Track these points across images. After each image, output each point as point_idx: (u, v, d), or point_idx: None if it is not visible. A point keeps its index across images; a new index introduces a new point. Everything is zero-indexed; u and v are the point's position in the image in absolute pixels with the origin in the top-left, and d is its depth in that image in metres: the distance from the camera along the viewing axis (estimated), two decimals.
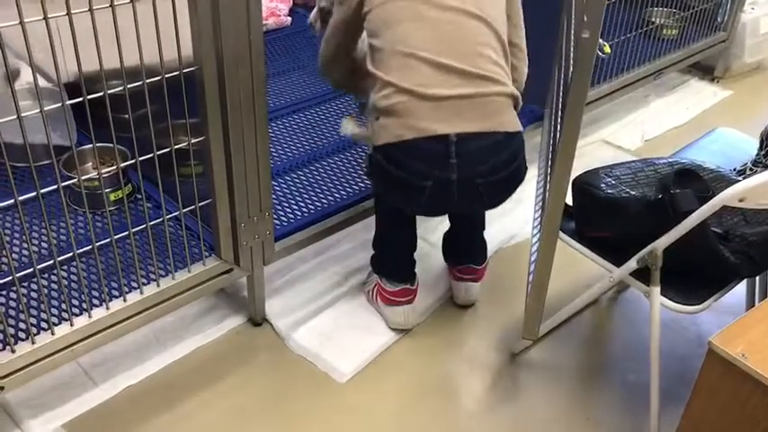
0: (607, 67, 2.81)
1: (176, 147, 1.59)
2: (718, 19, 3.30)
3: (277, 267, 2.16)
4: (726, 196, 1.40)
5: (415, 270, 2.02)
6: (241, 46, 1.55)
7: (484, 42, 1.66)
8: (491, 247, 2.28)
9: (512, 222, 2.45)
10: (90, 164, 2.08)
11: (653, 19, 3.11)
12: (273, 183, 2.18)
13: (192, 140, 1.61)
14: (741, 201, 1.40)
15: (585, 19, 1.27)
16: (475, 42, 1.65)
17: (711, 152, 2.04)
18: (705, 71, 3.56)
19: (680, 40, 3.18)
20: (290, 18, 3.29)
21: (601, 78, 2.80)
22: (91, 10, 1.32)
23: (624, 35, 2.79)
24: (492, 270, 2.20)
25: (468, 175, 1.64)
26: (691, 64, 3.35)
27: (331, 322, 2.03)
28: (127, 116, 1.50)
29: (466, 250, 2.09)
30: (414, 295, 2.00)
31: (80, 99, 1.39)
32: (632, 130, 3.06)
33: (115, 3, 1.34)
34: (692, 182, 1.61)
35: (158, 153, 1.56)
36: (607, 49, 1.41)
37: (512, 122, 1.69)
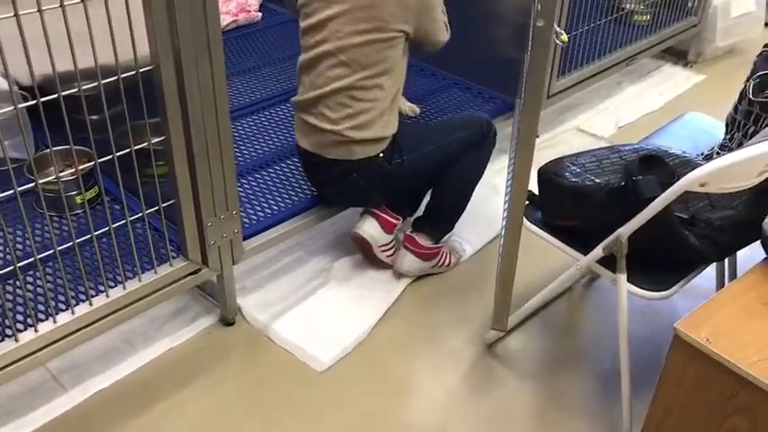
0: (579, 55, 2.80)
1: (137, 147, 1.57)
2: (689, 3, 3.30)
3: (255, 263, 2.15)
4: (687, 181, 1.40)
5: None
6: (199, 43, 1.53)
7: None
8: (477, 243, 2.28)
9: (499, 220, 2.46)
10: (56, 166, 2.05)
11: (624, 5, 3.11)
12: (243, 180, 2.16)
13: (153, 140, 1.59)
14: (702, 185, 1.40)
15: (539, 8, 1.26)
16: None
17: (680, 137, 2.04)
18: (678, 56, 3.56)
19: (652, 26, 3.18)
20: (260, 14, 3.26)
21: (573, 66, 2.79)
22: (40, 11, 1.29)
23: (595, 22, 2.79)
24: (476, 264, 2.20)
25: None
26: (664, 49, 3.35)
27: (309, 313, 2.03)
28: (93, 117, 1.49)
29: (425, 212, 2.14)
30: None
31: (33, 102, 1.37)
32: (606, 117, 3.06)
33: (65, 3, 1.32)
34: (658, 168, 1.61)
35: (118, 154, 1.54)
36: (564, 38, 1.40)
37: None
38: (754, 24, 3.58)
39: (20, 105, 1.35)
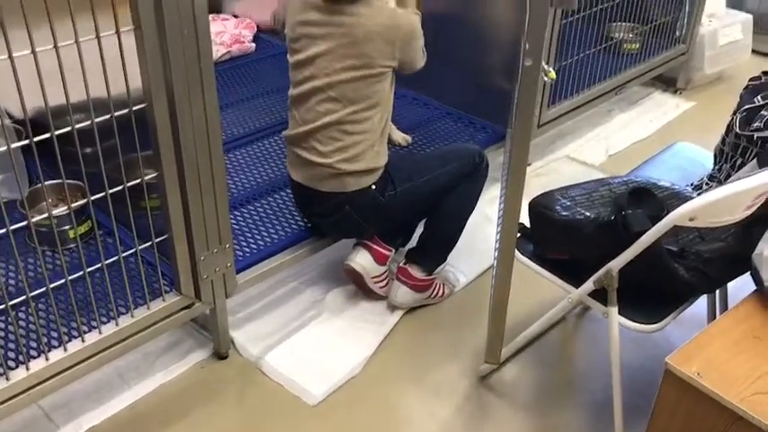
0: (569, 84, 2.83)
1: (129, 184, 1.58)
2: (677, 32, 3.35)
3: (248, 295, 2.15)
4: (676, 216, 1.41)
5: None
6: (192, 80, 1.55)
7: None
8: (470, 273, 2.29)
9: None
10: (50, 200, 2.06)
11: (613, 34, 3.14)
12: (236, 212, 2.17)
13: (146, 177, 1.60)
14: (691, 220, 1.42)
15: (527, 47, 1.28)
16: None
17: (670, 167, 2.06)
18: (668, 83, 3.60)
19: (641, 55, 3.22)
20: (254, 45, 3.29)
21: (563, 96, 2.82)
22: (34, 53, 1.31)
23: (584, 52, 2.82)
24: (470, 293, 2.21)
25: None
26: (653, 77, 3.39)
27: (302, 346, 2.03)
28: (86, 150, 1.49)
29: (418, 243, 2.14)
30: None
31: (26, 142, 1.37)
32: (596, 145, 3.08)
33: (59, 44, 1.34)
34: (647, 201, 1.62)
35: (111, 192, 1.55)
36: (552, 75, 1.42)
37: None
38: (741, 52, 3.62)
39: (13, 145, 1.36)
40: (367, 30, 1.81)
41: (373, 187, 1.93)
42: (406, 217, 2.12)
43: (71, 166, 1.48)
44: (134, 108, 1.50)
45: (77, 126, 1.43)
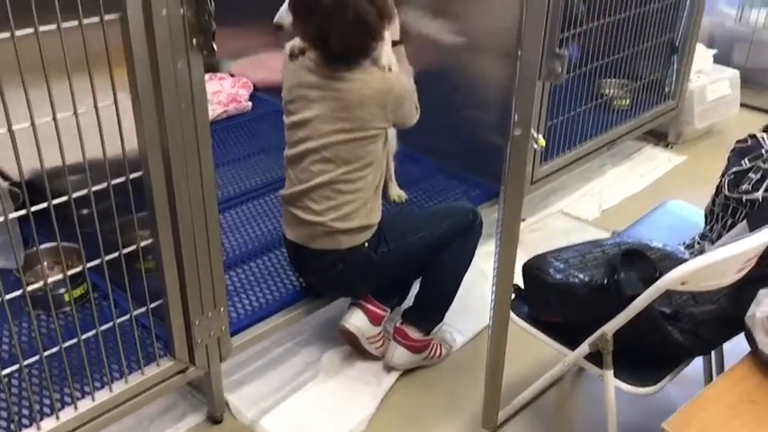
0: (561, 142, 2.87)
1: (125, 251, 1.59)
2: (666, 88, 3.41)
3: (244, 357, 2.14)
4: (668, 281, 1.43)
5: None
6: (189, 149, 1.57)
7: None
8: (467, 331, 2.29)
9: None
10: (45, 264, 2.06)
11: (604, 90, 3.20)
12: (231, 272, 2.17)
13: (142, 243, 1.61)
14: (683, 284, 1.43)
15: (516, 118, 1.31)
16: None
17: (661, 226, 2.08)
18: (659, 137, 3.65)
19: (631, 110, 3.27)
20: (250, 103, 3.34)
21: (555, 153, 2.86)
22: (33, 125, 1.33)
23: (575, 109, 2.87)
24: (468, 352, 2.20)
25: None
26: (644, 131, 3.44)
27: (298, 409, 2.01)
28: (84, 212, 1.50)
29: (414, 303, 2.14)
30: None
31: (23, 212, 1.39)
32: (590, 200, 3.11)
33: (57, 116, 1.36)
34: (639, 263, 1.64)
35: (107, 258, 1.56)
36: (542, 143, 1.45)
37: None
38: (730, 106, 3.69)
39: (10, 215, 1.38)
40: (360, 94, 1.85)
41: (366, 245, 1.95)
42: (400, 274, 2.13)
43: (67, 227, 1.50)
44: (131, 176, 1.52)
45: (74, 195, 1.45)
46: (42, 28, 1.27)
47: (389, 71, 1.90)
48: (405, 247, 2.02)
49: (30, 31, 1.26)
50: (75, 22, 1.32)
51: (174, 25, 1.45)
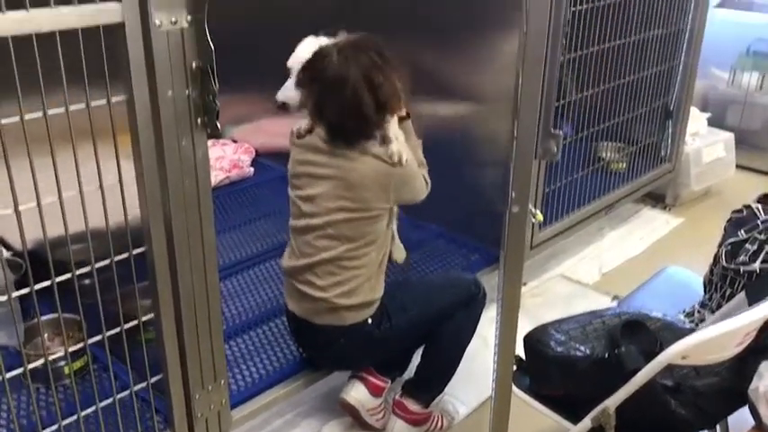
0: (560, 206, 2.90)
1: (126, 326, 1.59)
2: (662, 152, 3.46)
3: (245, 428, 2.11)
4: (669, 355, 1.43)
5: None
6: (192, 222, 1.59)
7: None
8: (470, 402, 2.27)
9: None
10: (46, 335, 2.06)
11: (601, 154, 3.25)
12: (231, 342, 2.17)
13: (143, 318, 1.62)
14: (684, 358, 1.43)
15: (513, 195, 1.33)
16: None
17: (661, 294, 2.09)
18: (656, 199, 3.69)
19: (628, 174, 3.31)
20: (252, 169, 3.38)
21: (555, 218, 2.88)
22: (39, 206, 1.36)
23: (573, 175, 2.91)
24: (471, 422, 2.19)
25: None
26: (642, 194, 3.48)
27: None
28: (85, 282, 1.51)
29: (415, 374, 2.12)
30: None
31: (27, 290, 1.40)
32: (589, 264, 3.12)
33: (63, 195, 1.39)
34: (640, 334, 1.64)
35: (108, 334, 1.56)
36: (539, 218, 1.47)
37: None
38: (725, 169, 3.74)
39: (13, 294, 1.39)
40: (362, 175, 1.84)
41: (369, 321, 1.94)
42: (402, 348, 2.12)
43: (68, 297, 1.50)
44: (134, 252, 1.54)
45: (78, 272, 1.46)
46: (51, 111, 1.31)
47: (397, 154, 1.87)
48: (407, 322, 2.00)
49: (38, 114, 1.29)
50: (83, 105, 1.36)
51: (180, 105, 1.48)
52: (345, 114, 1.80)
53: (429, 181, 2.04)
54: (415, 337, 2.07)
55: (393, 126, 1.89)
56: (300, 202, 1.93)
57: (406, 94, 1.93)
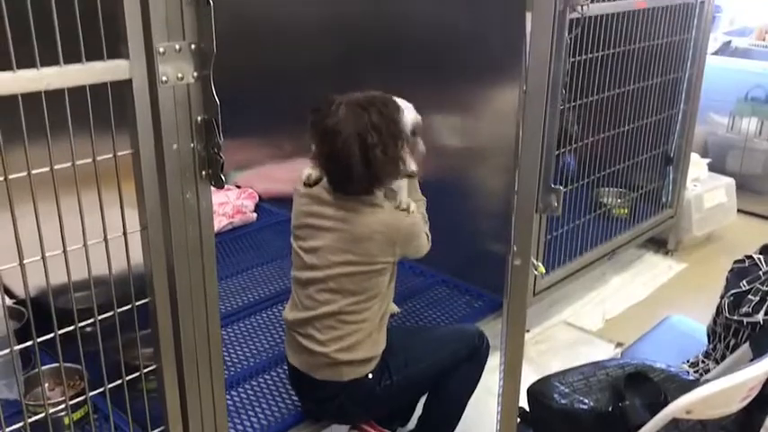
0: (562, 253, 2.90)
1: (128, 378, 1.58)
2: (663, 198, 3.48)
3: None
4: (673, 410, 1.42)
5: None
6: (195, 272, 1.59)
7: None
8: None
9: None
10: (47, 385, 2.05)
11: (603, 199, 3.26)
12: (233, 392, 2.16)
13: (145, 370, 1.61)
14: (688, 413, 1.42)
15: (515, 249, 1.34)
16: None
17: (664, 344, 2.08)
18: (659, 245, 3.69)
19: (630, 219, 3.32)
20: (255, 214, 3.40)
21: (557, 264, 2.88)
22: (44, 257, 1.37)
23: (575, 221, 2.92)
24: None
25: None
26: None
27: None
28: (87, 330, 1.51)
29: (417, 427, 2.10)
30: None
31: (29, 343, 1.40)
32: (592, 310, 3.11)
33: (68, 248, 1.40)
34: (643, 386, 1.63)
35: (110, 386, 1.55)
36: (541, 270, 1.47)
37: None
38: (727, 214, 3.75)
39: (15, 348, 1.39)
40: (368, 229, 1.84)
41: (370, 376, 1.92)
42: (403, 403, 2.10)
43: (69, 345, 1.49)
44: (137, 303, 1.54)
45: (81, 324, 1.46)
46: (57, 166, 1.33)
47: (405, 203, 1.90)
48: (409, 377, 1.97)
49: (46, 170, 1.31)
50: (89, 159, 1.38)
51: (184, 158, 1.50)
52: (334, 162, 1.81)
53: (431, 236, 2.03)
54: (416, 392, 2.05)
55: (403, 188, 1.93)
56: (303, 254, 1.92)
57: (417, 154, 1.92)
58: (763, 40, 4.63)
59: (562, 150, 2.65)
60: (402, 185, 1.96)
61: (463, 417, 2.12)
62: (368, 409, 1.99)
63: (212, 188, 1.61)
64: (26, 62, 1.24)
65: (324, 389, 1.93)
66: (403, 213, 1.92)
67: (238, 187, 3.59)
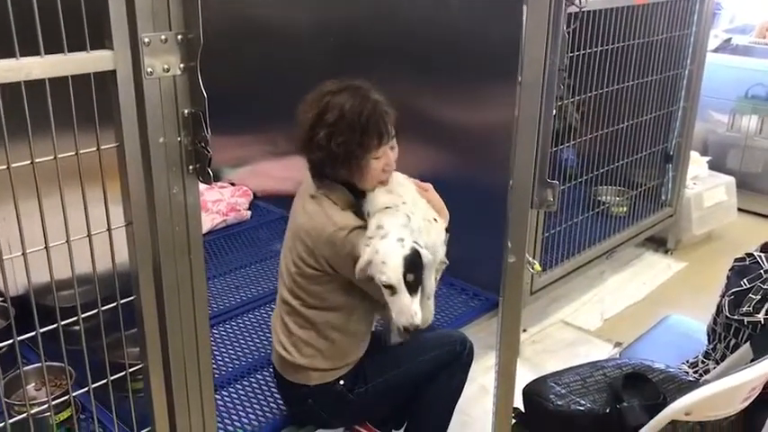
0: (560, 251, 2.86)
1: (113, 378, 1.55)
2: (663, 196, 3.44)
3: None
4: (672, 412, 1.38)
5: None
6: (182, 270, 1.56)
7: None
8: None
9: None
10: (33, 384, 2.02)
11: (601, 197, 3.22)
12: (223, 392, 2.12)
13: (131, 369, 1.57)
14: (687, 414, 1.38)
15: (509, 245, 1.30)
16: None
17: (663, 344, 2.04)
18: (658, 243, 3.65)
19: (629, 218, 3.29)
20: (249, 212, 3.36)
21: (555, 262, 2.84)
22: (24, 256, 1.33)
23: (573, 219, 2.88)
24: None
25: None
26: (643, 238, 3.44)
27: None
28: (72, 328, 1.47)
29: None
30: None
31: (10, 342, 1.36)
32: (591, 309, 3.07)
33: (50, 245, 1.36)
34: (642, 386, 1.59)
35: (94, 386, 1.52)
36: (537, 268, 1.43)
37: None
38: (727, 212, 3.71)
39: None
40: (296, 224, 1.78)
41: (341, 383, 1.84)
42: (379, 413, 2.02)
43: (53, 344, 1.46)
44: (122, 301, 1.50)
45: (63, 323, 1.42)
46: (39, 160, 1.29)
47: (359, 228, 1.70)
48: (384, 384, 1.88)
49: (26, 163, 1.27)
50: (72, 153, 1.34)
51: (171, 152, 1.46)
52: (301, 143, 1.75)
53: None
54: (392, 401, 1.96)
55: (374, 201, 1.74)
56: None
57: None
58: (764, 37, 4.60)
59: (565, 145, 2.61)
60: (374, 198, 1.75)
61: (459, 417, 2.07)
62: (337, 416, 1.93)
63: (209, 185, 1.58)
64: (6, 52, 1.20)
65: (293, 391, 1.88)
66: (338, 219, 1.71)
67: (233, 185, 3.55)
